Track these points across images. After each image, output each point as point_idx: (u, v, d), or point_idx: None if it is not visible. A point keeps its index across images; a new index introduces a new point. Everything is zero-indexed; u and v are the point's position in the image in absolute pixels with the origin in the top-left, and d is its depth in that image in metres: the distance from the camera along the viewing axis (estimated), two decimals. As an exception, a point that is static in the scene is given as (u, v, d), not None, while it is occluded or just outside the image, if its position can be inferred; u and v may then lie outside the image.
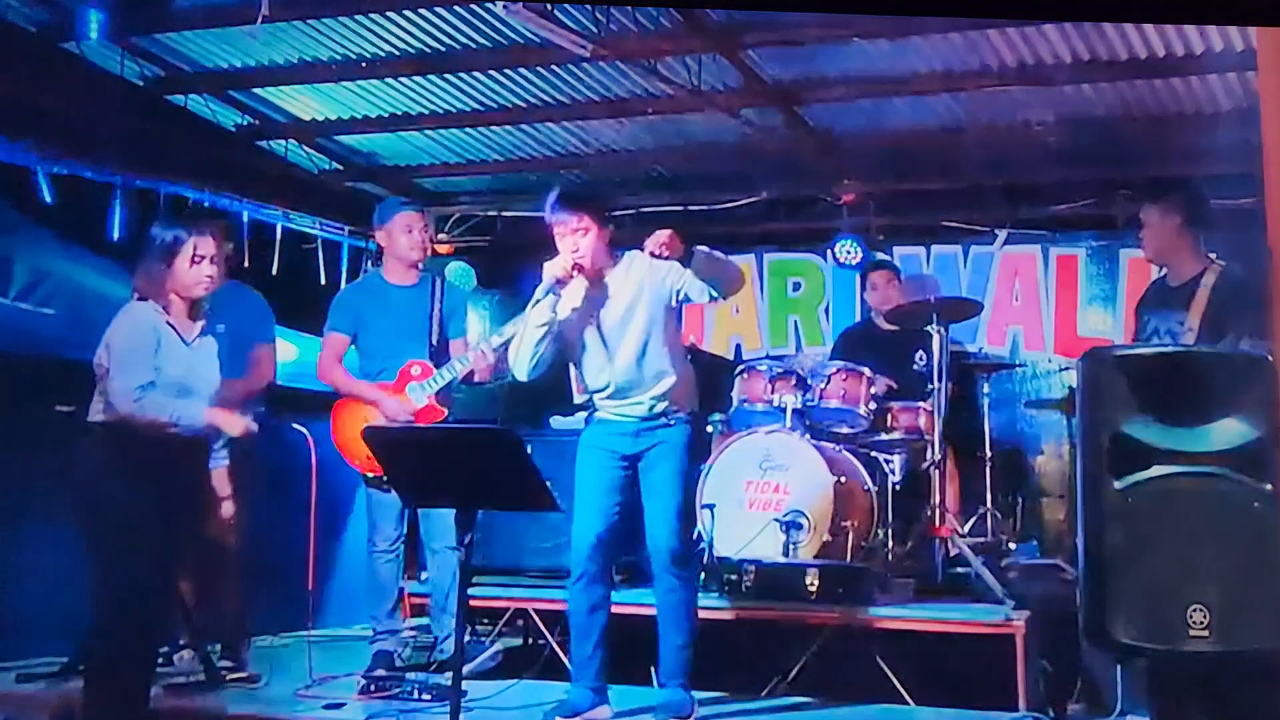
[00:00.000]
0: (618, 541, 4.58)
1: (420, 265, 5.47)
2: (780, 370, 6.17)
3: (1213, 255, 4.88)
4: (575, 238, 4.44)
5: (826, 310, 7.81)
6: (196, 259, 4.24)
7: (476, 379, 5.25)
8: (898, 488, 6.16)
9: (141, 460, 4.09)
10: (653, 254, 4.31)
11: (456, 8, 5.70)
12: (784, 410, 5.92)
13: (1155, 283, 5.24)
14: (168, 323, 4.22)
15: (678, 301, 4.53)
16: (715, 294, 4.49)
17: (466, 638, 5.13)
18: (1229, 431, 3.53)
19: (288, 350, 6.21)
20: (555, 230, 4.48)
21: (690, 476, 4.65)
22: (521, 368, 4.55)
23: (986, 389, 6.41)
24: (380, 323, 5.31)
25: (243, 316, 5.36)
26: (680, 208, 7.71)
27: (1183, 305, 4.75)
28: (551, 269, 4.44)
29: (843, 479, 5.70)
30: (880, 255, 7.37)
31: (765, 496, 5.67)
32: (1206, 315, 4.67)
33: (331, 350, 5.38)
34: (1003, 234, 7.41)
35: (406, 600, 5.77)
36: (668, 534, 4.45)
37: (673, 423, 4.50)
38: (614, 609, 4.56)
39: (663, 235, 4.28)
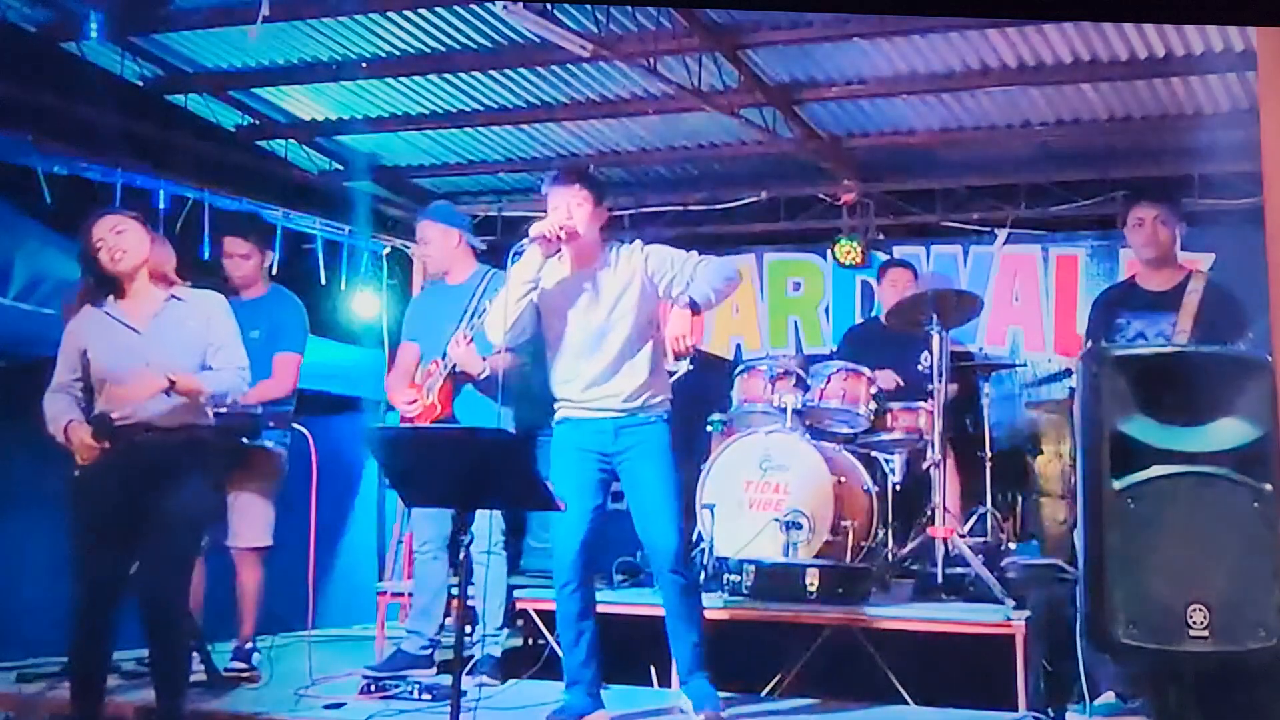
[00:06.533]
0: (602, 544, 4.53)
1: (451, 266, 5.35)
2: (780, 370, 6.17)
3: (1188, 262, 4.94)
4: (570, 206, 4.33)
5: (826, 310, 7.80)
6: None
7: (477, 374, 5.05)
8: (898, 488, 6.16)
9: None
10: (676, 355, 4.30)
11: (456, 8, 5.70)
12: (784, 410, 5.92)
13: (1124, 285, 5.23)
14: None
15: (669, 298, 4.40)
16: (705, 304, 4.35)
17: (439, 634, 5.17)
18: (1229, 431, 3.53)
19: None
20: (550, 201, 4.36)
21: (678, 475, 4.52)
22: (496, 330, 4.39)
23: (986, 389, 6.40)
24: (430, 324, 5.26)
25: (278, 323, 5.39)
26: (680, 208, 7.73)
27: (1170, 309, 4.73)
28: (537, 227, 4.30)
29: (843, 479, 5.70)
30: (883, 255, 7.38)
31: (765, 496, 5.66)
32: (1199, 322, 4.66)
33: (397, 362, 5.42)
34: (1003, 234, 7.41)
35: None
36: (668, 535, 4.38)
37: (653, 420, 4.39)
38: (614, 609, 4.53)
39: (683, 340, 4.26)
